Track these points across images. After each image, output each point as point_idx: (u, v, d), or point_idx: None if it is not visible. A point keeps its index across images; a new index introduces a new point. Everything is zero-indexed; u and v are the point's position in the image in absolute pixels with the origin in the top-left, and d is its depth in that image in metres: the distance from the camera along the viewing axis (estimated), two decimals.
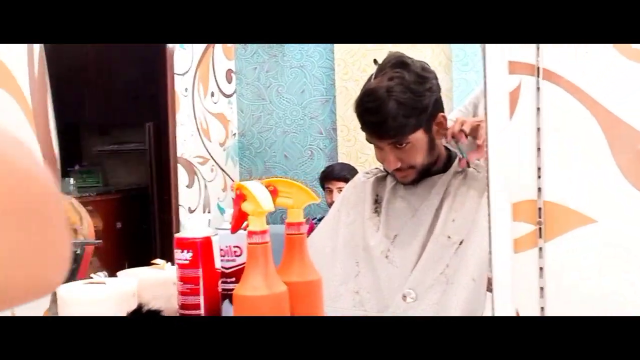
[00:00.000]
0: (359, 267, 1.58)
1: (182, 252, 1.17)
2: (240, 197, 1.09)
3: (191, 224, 1.19)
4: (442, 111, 1.59)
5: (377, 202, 1.67)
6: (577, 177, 0.94)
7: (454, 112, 2.01)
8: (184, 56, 3.61)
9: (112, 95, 3.91)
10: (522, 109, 0.97)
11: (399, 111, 1.48)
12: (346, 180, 3.32)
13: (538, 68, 0.95)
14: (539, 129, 0.95)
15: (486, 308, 1.39)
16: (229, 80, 4.02)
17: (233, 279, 1.20)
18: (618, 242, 0.92)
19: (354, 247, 1.62)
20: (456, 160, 1.63)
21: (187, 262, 1.16)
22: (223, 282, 1.21)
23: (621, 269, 0.92)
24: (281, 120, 3.99)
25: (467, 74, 3.47)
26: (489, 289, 1.00)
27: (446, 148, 1.66)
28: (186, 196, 3.58)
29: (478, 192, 1.56)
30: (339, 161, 3.74)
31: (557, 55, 0.94)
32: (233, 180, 4.01)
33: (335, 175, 3.33)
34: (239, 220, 1.11)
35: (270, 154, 4.02)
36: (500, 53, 0.95)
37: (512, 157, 0.97)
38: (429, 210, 1.57)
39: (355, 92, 4.11)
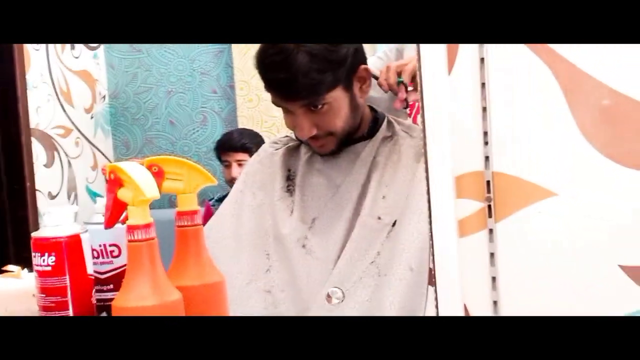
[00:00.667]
0: (270, 261, 1.59)
1: (42, 255, 1.13)
2: (115, 183, 1.06)
3: (52, 219, 1.15)
4: (364, 62, 1.60)
5: (289, 178, 1.67)
6: (531, 142, 0.95)
7: (373, 60, 2.03)
8: None
9: None
10: (463, 60, 0.96)
11: (311, 65, 1.48)
12: (248, 151, 3.30)
13: None
14: (483, 85, 0.95)
15: (428, 304, 1.42)
16: None
17: (111, 287, 1.19)
18: (583, 218, 0.93)
19: (263, 236, 1.62)
20: (384, 124, 1.65)
21: (49, 268, 1.13)
22: (98, 292, 1.19)
23: (586, 253, 0.94)
24: (164, 78, 3.93)
25: None
26: (431, 282, 1.01)
27: (371, 108, 1.68)
28: (45, 178, 3.49)
29: (412, 160, 1.58)
30: (239, 127, 3.73)
31: None
32: (105, 156, 3.93)
33: (233, 145, 3.32)
34: (116, 211, 1.09)
35: (152, 120, 3.97)
36: None
37: (453, 120, 0.97)
38: (353, 186, 1.59)
39: None
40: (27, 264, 1.27)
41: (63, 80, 3.68)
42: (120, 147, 3.98)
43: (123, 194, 1.06)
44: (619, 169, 0.91)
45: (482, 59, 0.95)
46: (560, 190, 0.94)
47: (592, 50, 0.93)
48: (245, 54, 3.68)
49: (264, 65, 1.54)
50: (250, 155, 3.28)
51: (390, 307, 1.45)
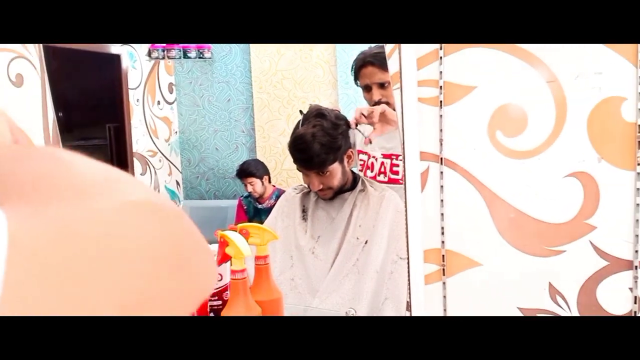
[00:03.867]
0: (293, 261, 1.57)
1: None
2: (223, 244, 1.04)
3: None
4: (351, 147, 1.59)
5: (304, 211, 1.65)
6: (468, 235, 0.96)
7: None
8: (135, 74, 3.39)
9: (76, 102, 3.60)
10: (430, 185, 0.98)
11: (321, 151, 1.47)
12: (253, 176, 3.21)
13: (441, 158, 0.96)
14: (442, 201, 0.96)
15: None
16: (171, 91, 3.83)
17: (216, 298, 1.15)
18: (497, 280, 0.96)
19: (288, 246, 1.60)
20: (359, 182, 1.65)
21: None
22: (209, 301, 1.16)
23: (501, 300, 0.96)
24: (212, 122, 3.85)
25: (348, 90, 3.49)
26: (409, 309, 1.01)
27: (352, 172, 1.67)
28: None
29: (375, 204, 1.58)
30: (257, 153, 3.68)
31: (454, 149, 0.95)
32: (176, 167, 3.85)
33: (244, 173, 3.19)
34: (223, 258, 1.07)
35: (205, 147, 3.88)
36: (415, 145, 0.96)
37: (424, 220, 0.98)
38: (343, 218, 1.58)
39: (268, 102, 3.99)
40: None
41: (152, 122, 3.59)
42: (185, 162, 3.90)
43: (229, 250, 1.04)
44: None
45: (441, 186, 0.96)
46: (484, 262, 0.96)
47: (502, 181, 0.93)
48: (261, 110, 3.62)
49: (293, 149, 1.51)
50: (256, 177, 3.18)
51: (365, 294, 1.45)
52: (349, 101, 3.45)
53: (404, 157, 0.96)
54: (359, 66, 1.77)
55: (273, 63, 3.55)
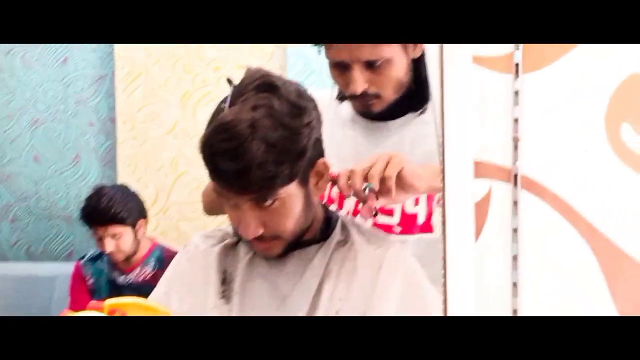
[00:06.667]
0: None
1: None
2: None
3: None
4: (323, 155, 1.61)
5: (225, 282, 1.66)
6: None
7: None
8: None
9: None
10: (493, 228, 0.99)
11: (267, 156, 1.45)
12: (120, 222, 3.22)
13: (515, 175, 0.98)
14: (515, 257, 0.99)
15: None
16: None
17: None
18: None
19: None
20: (337, 226, 1.66)
21: None
22: None
23: None
24: (29, 104, 3.85)
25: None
26: None
27: (324, 207, 1.68)
28: None
29: (370, 271, 1.59)
30: (119, 168, 3.66)
31: (539, 158, 0.97)
32: None
33: (101, 217, 3.22)
34: None
35: (10, 155, 3.88)
36: (463, 148, 0.97)
37: (478, 294, 0.99)
38: (303, 297, 1.59)
39: (145, 67, 4.04)
40: None
41: None
42: None
43: None
44: None
45: (514, 230, 0.98)
46: None
47: (636, 226, 0.97)
48: (129, 83, 3.61)
49: (211, 151, 1.49)
50: (124, 224, 3.20)
51: None
52: None
53: (442, 170, 0.98)
54: None
55: None
